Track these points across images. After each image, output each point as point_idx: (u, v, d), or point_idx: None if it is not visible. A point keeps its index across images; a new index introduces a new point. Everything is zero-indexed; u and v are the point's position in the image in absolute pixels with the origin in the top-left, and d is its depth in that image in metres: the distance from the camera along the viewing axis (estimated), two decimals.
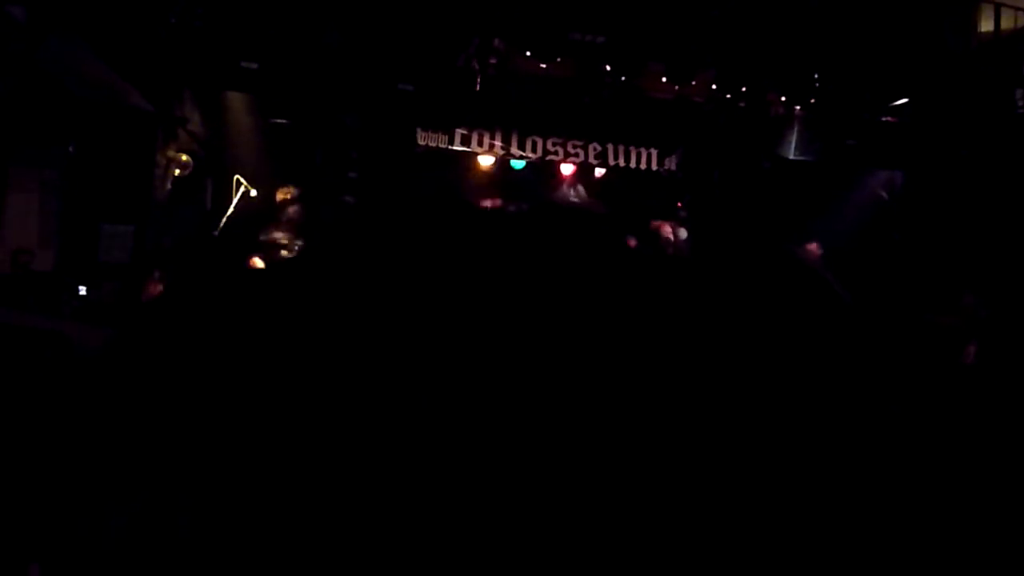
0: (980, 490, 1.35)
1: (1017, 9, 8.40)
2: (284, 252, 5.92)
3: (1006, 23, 8.37)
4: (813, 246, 7.87)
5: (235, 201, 6.52)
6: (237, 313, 1.16)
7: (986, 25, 8.48)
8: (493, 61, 6.83)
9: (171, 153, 6.54)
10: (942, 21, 8.12)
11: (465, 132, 7.72)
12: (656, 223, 6.72)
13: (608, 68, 7.25)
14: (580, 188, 7.61)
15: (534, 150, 7.94)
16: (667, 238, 6.56)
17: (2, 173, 5.97)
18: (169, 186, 6.58)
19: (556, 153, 8.02)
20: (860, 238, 8.44)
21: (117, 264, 6.22)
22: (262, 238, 6.17)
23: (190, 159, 6.66)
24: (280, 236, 6.13)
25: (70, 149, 6.40)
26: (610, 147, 8.12)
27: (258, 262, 5.73)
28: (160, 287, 6.28)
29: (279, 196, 6.80)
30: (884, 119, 8.16)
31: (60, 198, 6.48)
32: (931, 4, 7.94)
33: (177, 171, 6.58)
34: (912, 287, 7.67)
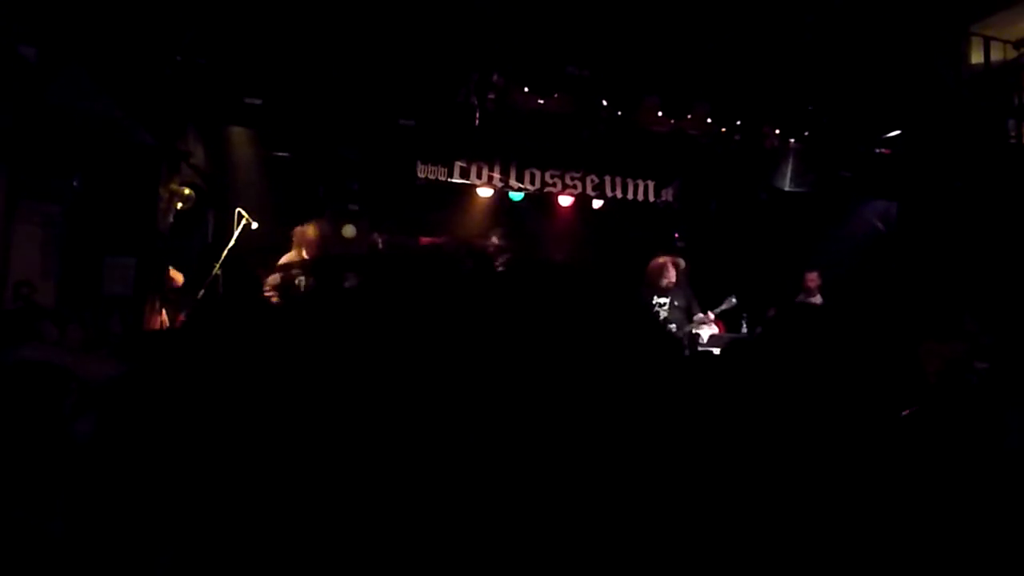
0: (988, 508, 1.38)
1: (1006, 42, 8.55)
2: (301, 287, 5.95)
3: (996, 55, 8.52)
4: (813, 275, 7.93)
5: (236, 234, 6.58)
6: (255, 347, 1.19)
7: (976, 57, 8.63)
8: (491, 96, 6.95)
9: (174, 186, 6.61)
10: (933, 54, 8.26)
11: (464, 165, 7.83)
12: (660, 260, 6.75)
13: (604, 102, 7.37)
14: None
15: (532, 182, 8.05)
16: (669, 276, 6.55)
17: (10, 207, 6.03)
18: (171, 219, 6.65)
19: (554, 185, 8.12)
20: (858, 268, 8.51)
21: (120, 296, 6.26)
22: (279, 274, 6.21)
23: (192, 192, 6.74)
24: (297, 272, 6.16)
25: (74, 183, 6.47)
26: (607, 179, 8.23)
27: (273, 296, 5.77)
28: (163, 318, 6.34)
29: (308, 231, 6.71)
30: (878, 151, 8.26)
31: (63, 231, 6.54)
32: (922, 37, 8.08)
33: (180, 204, 6.65)
34: (911, 316, 7.70)
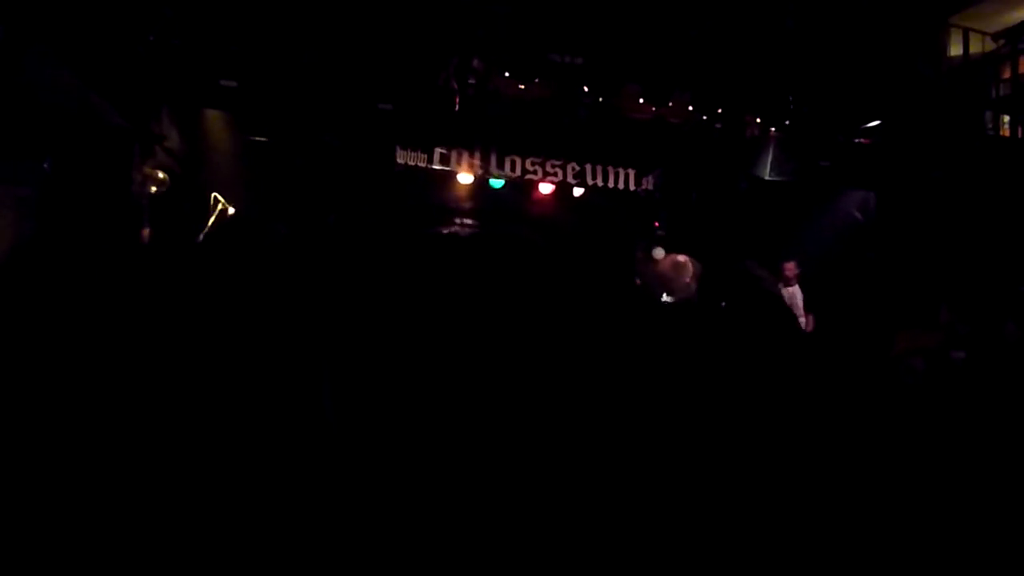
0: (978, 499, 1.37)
1: (984, 34, 8.62)
2: None
3: (974, 47, 8.58)
4: (790, 265, 7.96)
5: (212, 219, 6.48)
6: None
7: (955, 49, 8.69)
8: (472, 81, 6.88)
9: (148, 170, 6.49)
10: (913, 46, 8.31)
11: (444, 151, 7.76)
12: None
13: (586, 89, 7.33)
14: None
15: (513, 169, 8.00)
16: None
17: None
18: (145, 203, 6.53)
19: (535, 172, 8.08)
20: (836, 257, 8.55)
21: None
22: None
23: (167, 176, 6.61)
24: None
25: (45, 166, 6.34)
26: (588, 167, 8.20)
27: None
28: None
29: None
30: (857, 141, 8.30)
31: (35, 216, 6.41)
32: (902, 29, 8.12)
33: (153, 188, 6.53)
34: (888, 306, 7.77)
